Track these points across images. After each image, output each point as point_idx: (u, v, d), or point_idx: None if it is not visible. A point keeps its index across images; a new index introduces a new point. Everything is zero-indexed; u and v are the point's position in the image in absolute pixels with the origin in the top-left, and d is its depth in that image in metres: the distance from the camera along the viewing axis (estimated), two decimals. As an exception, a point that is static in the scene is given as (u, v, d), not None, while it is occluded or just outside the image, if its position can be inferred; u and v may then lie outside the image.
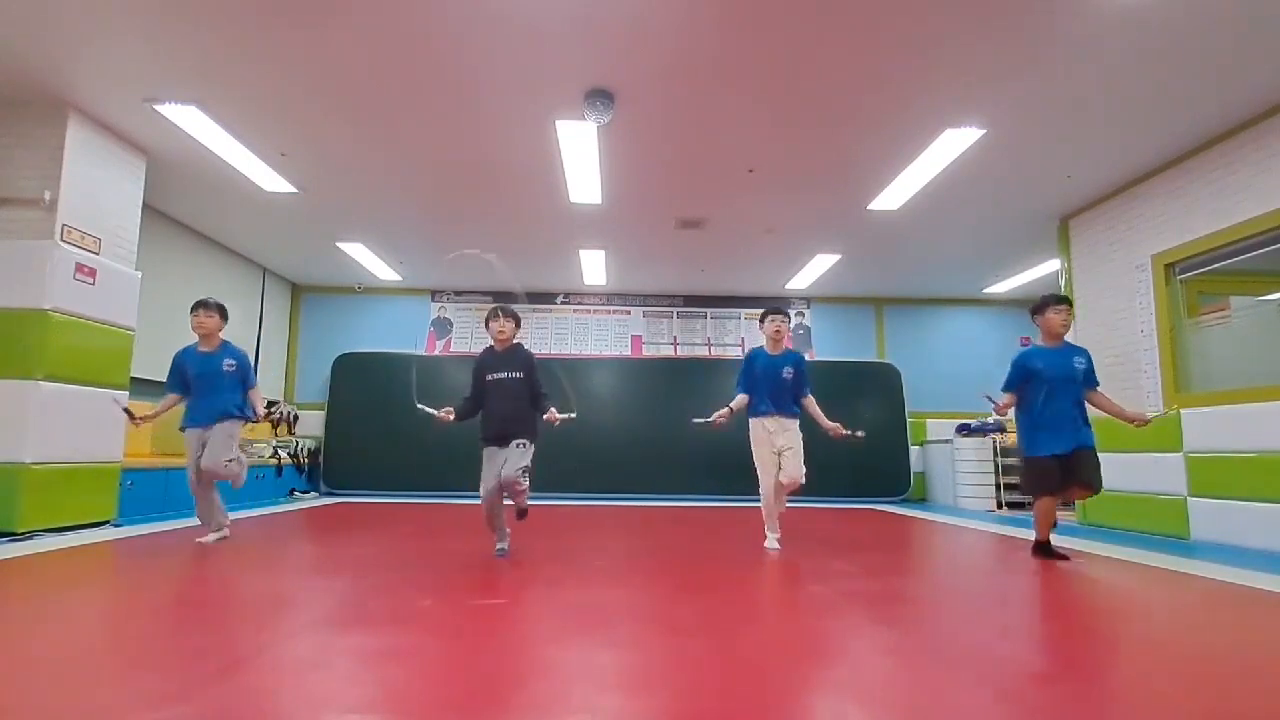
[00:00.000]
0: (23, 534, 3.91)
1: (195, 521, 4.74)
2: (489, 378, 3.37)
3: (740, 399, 3.90)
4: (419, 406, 3.38)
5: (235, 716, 1.31)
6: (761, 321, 3.97)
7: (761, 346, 3.97)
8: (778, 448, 3.78)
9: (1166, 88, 3.99)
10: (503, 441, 3.25)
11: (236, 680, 1.52)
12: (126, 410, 3.72)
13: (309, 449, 7.99)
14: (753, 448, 3.86)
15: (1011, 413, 3.69)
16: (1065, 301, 3.62)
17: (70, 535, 4.00)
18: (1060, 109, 4.23)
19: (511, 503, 3.40)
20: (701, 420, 3.91)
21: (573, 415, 3.29)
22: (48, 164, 4.26)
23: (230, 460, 3.68)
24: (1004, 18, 3.37)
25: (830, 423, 3.85)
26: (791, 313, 8.99)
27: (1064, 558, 3.56)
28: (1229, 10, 3.30)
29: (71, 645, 1.85)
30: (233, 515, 5.15)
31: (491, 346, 3.47)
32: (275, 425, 7.89)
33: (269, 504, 6.45)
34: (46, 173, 4.25)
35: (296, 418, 8.23)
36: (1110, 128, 4.48)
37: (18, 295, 4.10)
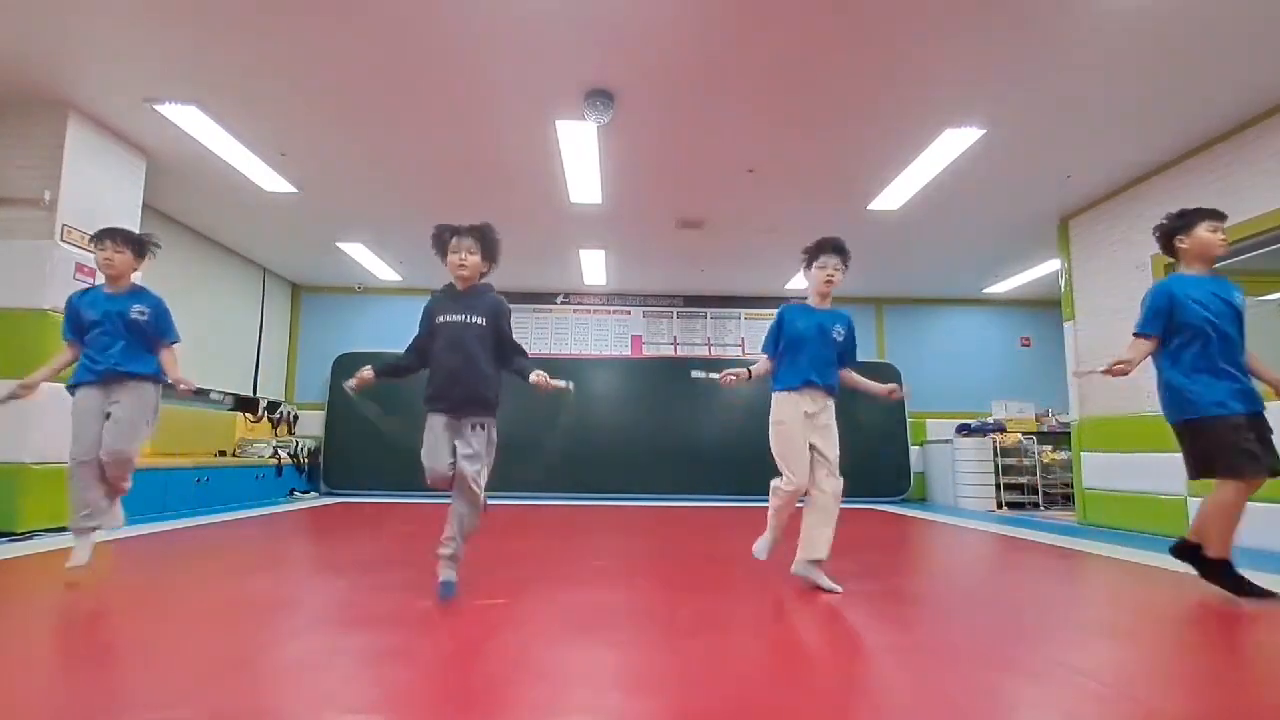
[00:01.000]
0: (22, 534, 3.91)
1: (193, 521, 4.74)
2: (439, 319, 2.51)
3: (762, 365, 2.92)
4: (345, 385, 2.62)
5: (235, 716, 1.31)
6: (810, 263, 2.89)
7: (802, 301, 2.98)
8: (813, 436, 2.70)
9: (1166, 88, 3.99)
10: (454, 412, 2.43)
11: (236, 680, 1.52)
12: (11, 396, 2.82)
13: (309, 449, 7.98)
14: (775, 432, 2.75)
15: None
16: (1221, 216, 2.70)
17: (70, 535, 3.99)
18: (1060, 109, 4.23)
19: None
20: (703, 374, 3.12)
21: (569, 385, 2.49)
22: (48, 164, 4.26)
23: (136, 456, 2.83)
24: (1004, 18, 3.37)
25: (878, 385, 2.89)
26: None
27: (1268, 594, 2.50)
28: (1229, 10, 3.30)
29: (71, 645, 1.84)
30: (233, 515, 5.16)
31: (451, 284, 2.59)
32: (275, 425, 7.89)
33: (269, 504, 6.45)
34: (46, 173, 4.25)
35: (296, 418, 8.24)
36: (1110, 128, 4.48)
37: (18, 295, 4.11)
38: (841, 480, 2.68)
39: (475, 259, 2.50)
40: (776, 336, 2.90)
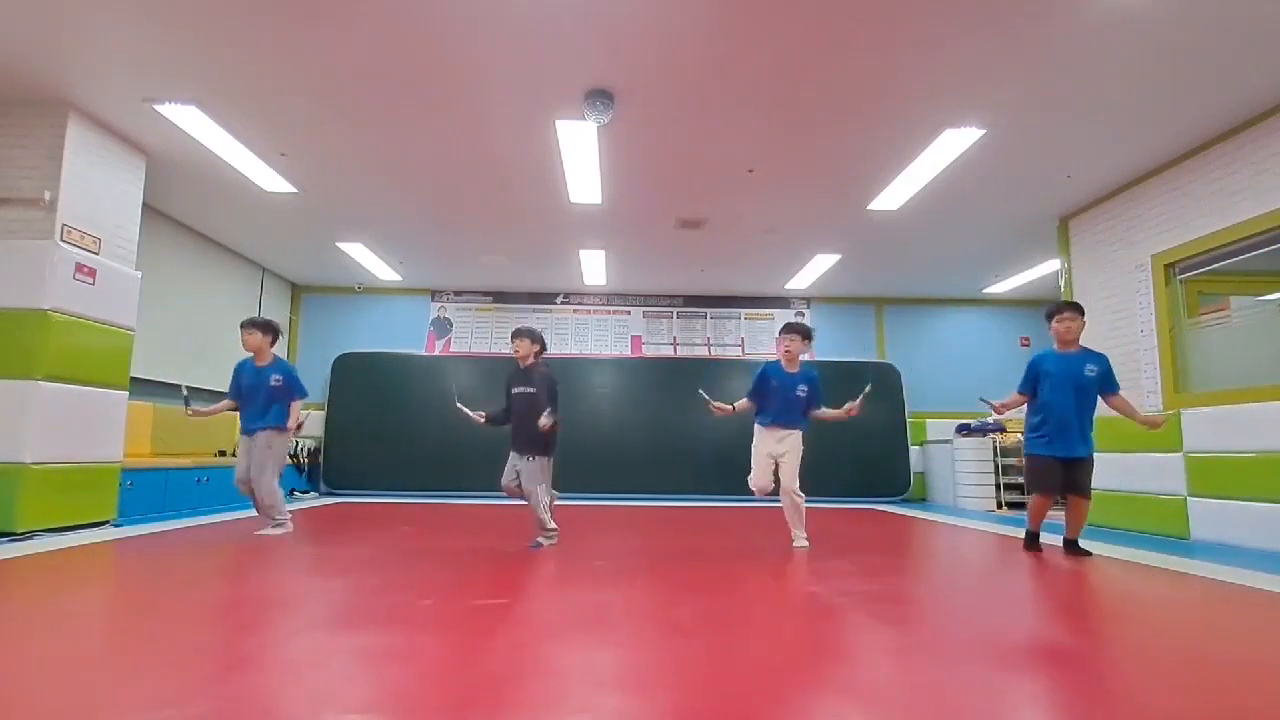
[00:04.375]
0: (23, 534, 3.91)
1: (193, 521, 4.77)
2: (513, 390, 3.85)
3: (744, 403, 4.04)
4: (458, 405, 3.89)
5: (235, 716, 1.31)
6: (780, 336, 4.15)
7: (777, 361, 4.06)
8: (776, 454, 3.91)
9: (1166, 88, 3.99)
10: (518, 450, 3.73)
11: (236, 680, 1.52)
12: (186, 400, 4.08)
13: (309, 449, 7.98)
14: (753, 447, 4.03)
15: (1021, 412, 3.91)
16: (1070, 308, 3.75)
17: (70, 535, 4.00)
18: (1060, 109, 4.23)
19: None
20: (710, 401, 4.04)
21: (553, 419, 3.60)
22: (48, 164, 4.26)
23: (272, 483, 4.04)
24: (1004, 18, 3.37)
25: (836, 412, 3.92)
26: (791, 312, 8.99)
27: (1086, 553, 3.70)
28: (1228, 10, 3.30)
29: (71, 645, 1.84)
30: (233, 515, 5.17)
31: (517, 364, 3.89)
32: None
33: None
34: (46, 173, 4.25)
35: (296, 418, 8.24)
36: (1110, 128, 4.48)
37: (18, 295, 4.10)
38: (793, 484, 3.85)
39: (525, 346, 3.83)
40: (760, 386, 3.99)
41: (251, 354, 4.17)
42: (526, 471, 3.67)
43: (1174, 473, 4.74)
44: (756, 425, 4.02)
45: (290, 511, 4.25)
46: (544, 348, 3.94)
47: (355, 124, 4.56)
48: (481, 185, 5.55)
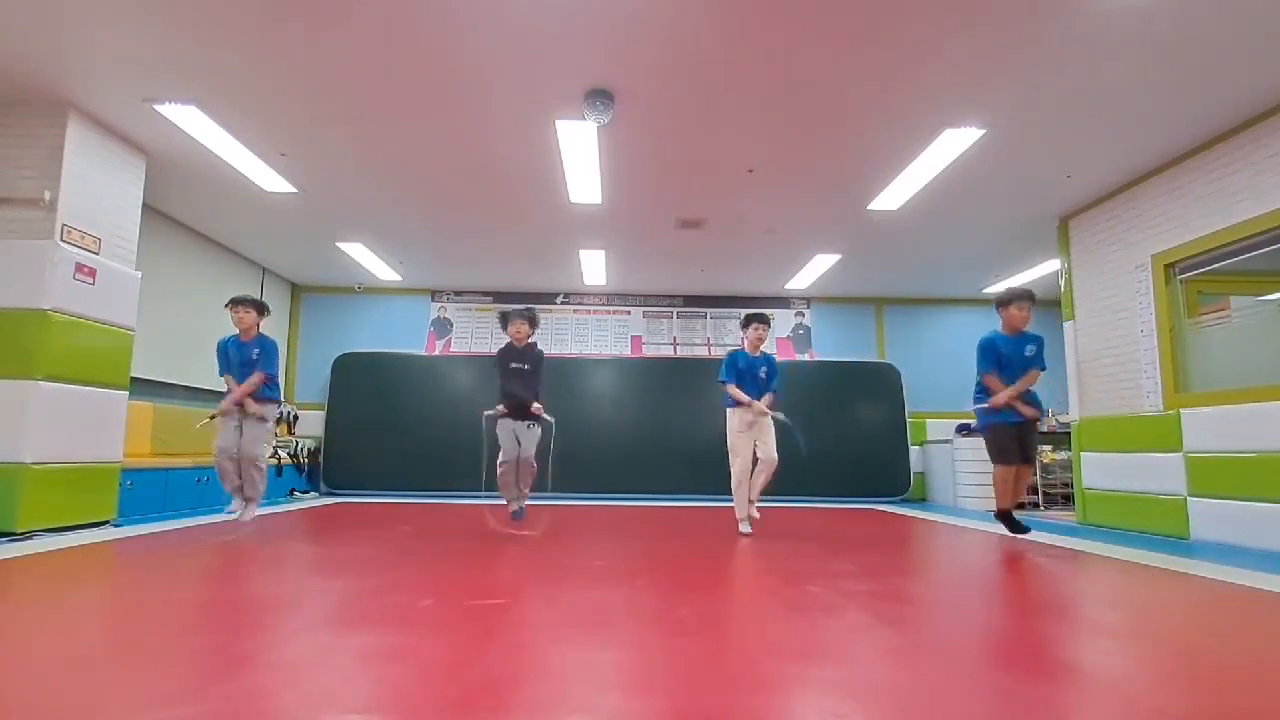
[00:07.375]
0: (23, 534, 3.91)
1: (193, 521, 4.76)
2: (510, 365, 4.25)
3: (735, 389, 4.46)
4: (486, 414, 4.26)
5: (235, 716, 1.31)
6: (745, 327, 4.58)
7: (742, 349, 4.59)
8: (754, 432, 4.37)
9: (1166, 87, 3.99)
10: (522, 417, 4.15)
11: (236, 680, 1.52)
12: (211, 418, 4.32)
13: (309, 449, 7.98)
14: (729, 434, 4.40)
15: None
16: (1029, 297, 4.36)
17: (70, 535, 4.00)
18: (1060, 109, 4.23)
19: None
20: (772, 414, 4.46)
21: (549, 420, 4.21)
22: (48, 164, 4.26)
23: (260, 459, 4.26)
24: (1004, 18, 3.37)
25: (773, 413, 4.48)
26: (791, 312, 8.99)
27: (1026, 530, 4.27)
28: (1229, 10, 3.30)
29: (71, 645, 1.84)
30: (234, 516, 5.16)
31: (511, 344, 4.31)
32: (275, 425, 7.89)
33: (269, 504, 6.44)
34: (46, 173, 4.25)
35: (296, 418, 8.23)
36: (1110, 128, 4.48)
37: (18, 295, 4.10)
38: (775, 454, 4.34)
39: (526, 329, 4.28)
40: (730, 367, 4.51)
41: (237, 331, 4.32)
42: (530, 438, 4.13)
43: (1174, 473, 4.73)
44: (729, 412, 4.42)
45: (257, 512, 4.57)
46: (537, 327, 4.43)
47: (355, 124, 4.56)
48: (482, 185, 5.55)
